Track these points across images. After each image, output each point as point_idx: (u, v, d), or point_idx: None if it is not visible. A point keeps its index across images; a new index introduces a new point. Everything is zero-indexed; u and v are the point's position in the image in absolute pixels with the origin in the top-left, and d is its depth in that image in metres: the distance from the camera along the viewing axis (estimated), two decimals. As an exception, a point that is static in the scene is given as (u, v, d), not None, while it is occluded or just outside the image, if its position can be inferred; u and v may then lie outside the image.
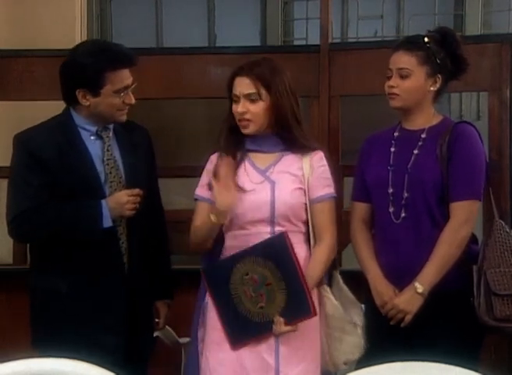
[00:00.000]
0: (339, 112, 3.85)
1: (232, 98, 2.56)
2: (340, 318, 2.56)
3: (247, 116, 2.52)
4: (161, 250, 2.84)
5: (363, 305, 2.73)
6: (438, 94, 2.68)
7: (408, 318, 2.55)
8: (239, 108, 2.52)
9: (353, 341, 2.57)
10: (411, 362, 1.87)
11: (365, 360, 2.55)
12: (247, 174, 2.56)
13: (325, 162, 2.60)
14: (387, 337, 2.59)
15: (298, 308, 2.43)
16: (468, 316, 2.54)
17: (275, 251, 2.45)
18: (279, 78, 2.55)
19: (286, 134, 2.56)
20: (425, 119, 2.67)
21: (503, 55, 3.68)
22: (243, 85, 2.52)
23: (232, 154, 2.58)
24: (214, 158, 2.63)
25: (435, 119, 2.68)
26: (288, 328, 2.44)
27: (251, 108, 2.52)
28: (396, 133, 2.71)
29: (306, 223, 2.57)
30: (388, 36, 4.94)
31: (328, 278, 2.65)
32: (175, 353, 3.35)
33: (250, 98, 2.52)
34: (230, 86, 2.56)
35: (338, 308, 2.57)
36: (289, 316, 2.44)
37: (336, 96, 3.85)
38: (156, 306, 2.85)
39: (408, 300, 2.54)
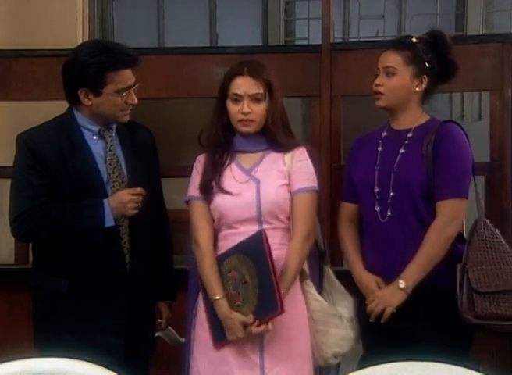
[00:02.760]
0: (341, 111, 3.86)
1: (225, 97, 2.57)
2: (324, 312, 2.58)
3: (251, 117, 2.54)
4: (164, 250, 2.84)
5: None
6: (425, 95, 2.69)
7: (388, 311, 2.56)
8: (244, 108, 2.53)
9: (339, 334, 2.58)
10: (411, 362, 1.88)
11: (363, 360, 2.57)
12: (233, 175, 2.58)
13: (305, 156, 2.61)
14: (381, 335, 2.60)
15: (267, 305, 2.41)
16: (454, 314, 2.54)
17: (254, 249, 2.45)
18: (275, 79, 2.59)
19: (272, 133, 2.58)
20: (412, 119, 2.68)
21: (505, 54, 3.68)
22: (249, 85, 2.54)
23: (220, 154, 2.60)
24: (201, 158, 2.65)
25: (422, 119, 2.69)
26: (261, 328, 2.42)
27: (255, 108, 2.54)
28: (383, 133, 2.74)
29: None
30: (389, 36, 4.94)
31: (319, 272, 2.66)
32: (177, 353, 3.35)
33: (254, 98, 2.54)
34: (227, 85, 2.57)
35: (321, 302, 2.59)
36: (260, 314, 2.43)
37: (338, 96, 3.86)
38: (158, 307, 2.85)
39: (390, 294, 2.56)
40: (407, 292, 2.55)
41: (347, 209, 2.78)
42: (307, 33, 5.09)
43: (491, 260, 2.58)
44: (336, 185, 3.79)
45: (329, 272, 2.69)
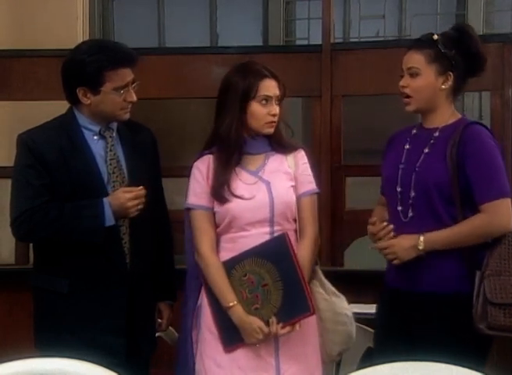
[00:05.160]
0: (341, 111, 3.86)
1: (247, 99, 2.54)
2: (332, 310, 2.58)
3: (276, 118, 2.58)
4: (165, 251, 2.84)
5: (375, 306, 2.74)
6: (455, 91, 2.64)
7: (396, 262, 2.54)
8: (275, 109, 2.56)
9: (346, 331, 2.60)
10: (413, 362, 1.88)
11: (373, 359, 2.55)
12: (239, 178, 2.57)
13: (306, 159, 2.64)
14: (396, 337, 2.58)
15: (296, 306, 2.42)
16: (471, 322, 2.50)
17: (275, 252, 2.46)
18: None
19: (278, 135, 2.60)
20: (442, 118, 2.62)
21: (505, 54, 3.68)
22: (275, 87, 2.57)
23: (230, 156, 2.57)
24: (201, 165, 2.61)
25: (452, 119, 2.63)
26: (286, 329, 2.43)
27: (278, 110, 2.58)
28: (413, 131, 2.69)
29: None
30: (390, 36, 4.96)
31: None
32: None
33: (278, 100, 2.57)
34: (255, 86, 2.54)
35: (329, 300, 2.59)
36: (285, 315, 2.43)
37: (338, 96, 3.86)
38: (159, 307, 2.85)
39: (405, 248, 2.53)
40: (421, 253, 2.51)
41: (383, 200, 2.76)
42: (308, 33, 5.12)
43: (509, 270, 2.49)
44: (336, 185, 3.79)
45: (319, 272, 2.67)
